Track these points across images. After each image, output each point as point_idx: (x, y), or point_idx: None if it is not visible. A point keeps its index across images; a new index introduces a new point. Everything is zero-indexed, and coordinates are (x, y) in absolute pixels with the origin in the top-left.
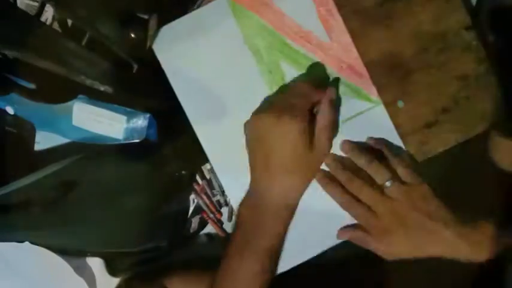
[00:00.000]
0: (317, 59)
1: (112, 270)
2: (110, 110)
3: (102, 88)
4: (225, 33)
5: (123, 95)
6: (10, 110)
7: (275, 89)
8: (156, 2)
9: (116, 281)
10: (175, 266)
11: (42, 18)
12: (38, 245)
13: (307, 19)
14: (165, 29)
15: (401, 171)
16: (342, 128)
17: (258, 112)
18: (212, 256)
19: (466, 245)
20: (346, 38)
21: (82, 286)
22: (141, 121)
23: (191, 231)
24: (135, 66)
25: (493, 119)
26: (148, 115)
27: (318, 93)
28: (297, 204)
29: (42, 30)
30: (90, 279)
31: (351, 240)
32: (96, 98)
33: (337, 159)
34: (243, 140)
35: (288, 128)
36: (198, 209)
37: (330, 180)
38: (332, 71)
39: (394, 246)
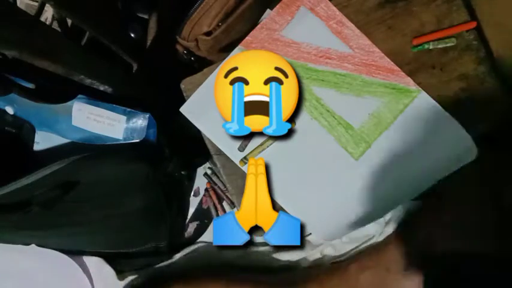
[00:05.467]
0: (345, 71)
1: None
2: (110, 110)
3: (102, 88)
4: None
5: (123, 95)
6: (10, 110)
7: (316, 114)
8: (156, 2)
9: (114, 280)
10: (176, 272)
11: (42, 18)
12: (37, 245)
13: (321, 38)
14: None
15: None
16: (396, 122)
17: None
18: (211, 260)
19: None
20: (365, 41)
21: (81, 286)
22: (141, 121)
23: (186, 235)
24: (135, 66)
25: (494, 118)
26: (148, 115)
27: None
28: None
29: (42, 30)
30: (88, 279)
31: None
32: (96, 98)
33: None
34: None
35: None
36: (196, 215)
37: None
38: (364, 78)
39: None
